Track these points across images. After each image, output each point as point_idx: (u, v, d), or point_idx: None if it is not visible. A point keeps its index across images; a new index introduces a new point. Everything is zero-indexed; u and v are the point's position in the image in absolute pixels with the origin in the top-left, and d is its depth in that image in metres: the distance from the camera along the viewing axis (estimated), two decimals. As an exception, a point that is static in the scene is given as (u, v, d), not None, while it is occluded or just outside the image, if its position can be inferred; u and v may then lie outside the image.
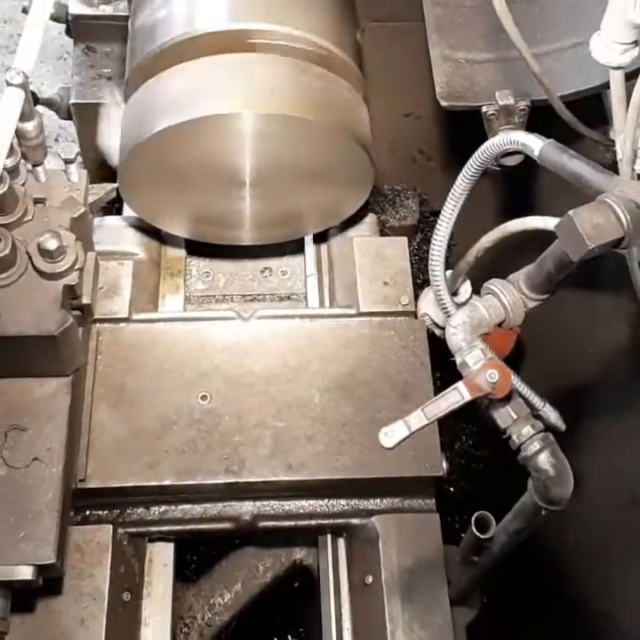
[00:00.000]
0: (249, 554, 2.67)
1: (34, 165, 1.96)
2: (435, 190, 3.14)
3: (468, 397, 1.54)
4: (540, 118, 2.09)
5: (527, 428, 1.60)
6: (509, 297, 1.65)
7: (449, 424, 3.22)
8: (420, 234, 3.22)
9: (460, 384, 1.56)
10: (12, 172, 1.89)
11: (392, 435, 1.57)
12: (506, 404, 1.61)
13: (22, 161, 1.93)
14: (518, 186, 2.71)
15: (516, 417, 1.61)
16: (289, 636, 2.86)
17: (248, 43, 2.08)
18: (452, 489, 2.96)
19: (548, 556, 2.41)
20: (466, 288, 2.32)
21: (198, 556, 2.75)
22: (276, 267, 2.55)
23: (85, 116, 2.56)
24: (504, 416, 1.61)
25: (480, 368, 1.55)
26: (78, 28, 2.65)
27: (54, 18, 2.62)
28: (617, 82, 1.72)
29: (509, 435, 1.62)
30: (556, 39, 2.23)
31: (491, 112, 2.15)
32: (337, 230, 2.53)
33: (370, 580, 2.09)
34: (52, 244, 1.83)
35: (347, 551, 2.23)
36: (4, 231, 1.85)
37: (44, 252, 1.84)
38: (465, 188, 1.89)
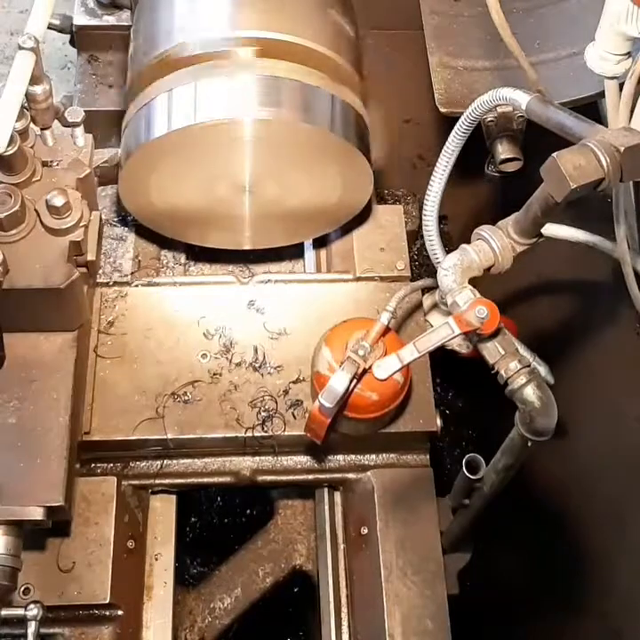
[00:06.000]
0: (249, 559, 2.73)
1: (42, 129, 2.03)
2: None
3: (457, 331, 1.61)
4: (537, 125, 2.13)
5: (514, 362, 1.66)
6: (499, 241, 1.70)
7: (450, 429, 3.28)
8: (420, 239, 3.27)
9: (450, 319, 1.63)
10: (22, 134, 1.96)
11: (385, 367, 1.64)
12: (494, 340, 1.67)
13: (31, 125, 2.00)
14: (517, 192, 2.75)
15: (503, 353, 1.67)
16: (288, 640, 2.89)
17: (248, 50, 2.11)
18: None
19: (538, 503, 2.47)
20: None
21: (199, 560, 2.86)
22: (275, 271, 2.56)
23: (88, 123, 2.63)
24: (492, 352, 1.68)
25: (470, 305, 1.62)
26: (82, 37, 2.71)
27: (59, 28, 2.69)
28: (611, 91, 1.77)
29: (497, 370, 1.68)
30: (552, 48, 2.27)
31: (489, 119, 2.19)
32: (336, 235, 2.55)
33: (365, 530, 2.16)
34: (59, 201, 1.91)
35: (343, 503, 2.30)
36: (14, 189, 1.93)
37: (52, 209, 1.92)
38: (457, 145, 1.95)
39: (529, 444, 1.69)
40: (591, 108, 2.13)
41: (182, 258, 2.54)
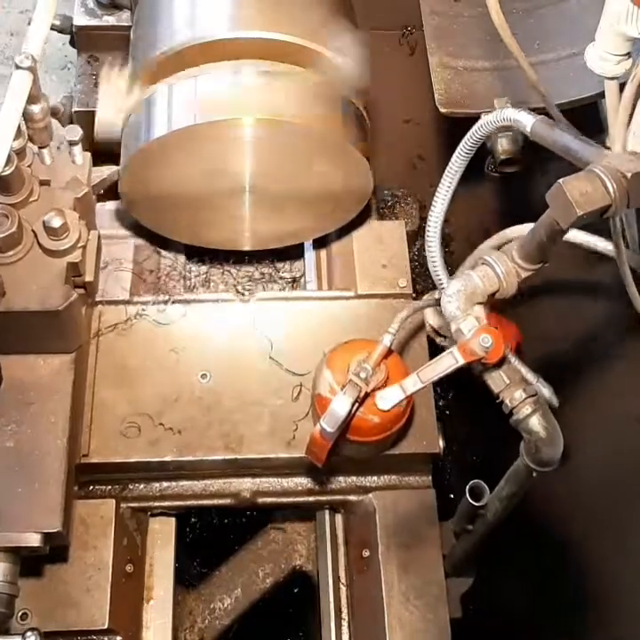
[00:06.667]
0: (249, 559, 2.72)
1: (40, 147, 2.01)
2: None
3: (461, 361, 1.59)
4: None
5: (519, 391, 1.64)
6: (503, 267, 1.68)
7: (450, 429, 3.25)
8: (420, 239, 3.25)
9: (454, 348, 1.60)
10: (19, 153, 1.94)
11: (388, 398, 1.62)
12: (499, 369, 1.65)
13: (28, 144, 1.98)
14: (517, 192, 2.74)
15: (508, 382, 1.65)
16: (288, 641, 2.87)
17: (248, 50, 2.10)
18: (452, 495, 2.99)
19: (540, 527, 2.45)
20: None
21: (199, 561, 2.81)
22: (275, 272, 2.59)
23: (88, 124, 2.62)
24: (497, 381, 1.65)
25: (474, 333, 1.59)
26: (82, 38, 2.69)
27: (59, 29, 2.67)
28: (612, 91, 1.75)
29: (502, 399, 1.66)
30: (552, 49, 2.26)
31: None
32: (336, 235, 2.54)
33: (367, 553, 2.14)
34: (56, 222, 1.88)
35: (344, 526, 2.29)
36: (11, 210, 1.91)
37: (49, 230, 1.90)
38: (460, 165, 1.93)
39: (534, 474, 1.67)
40: (591, 108, 2.14)
41: (182, 258, 2.53)
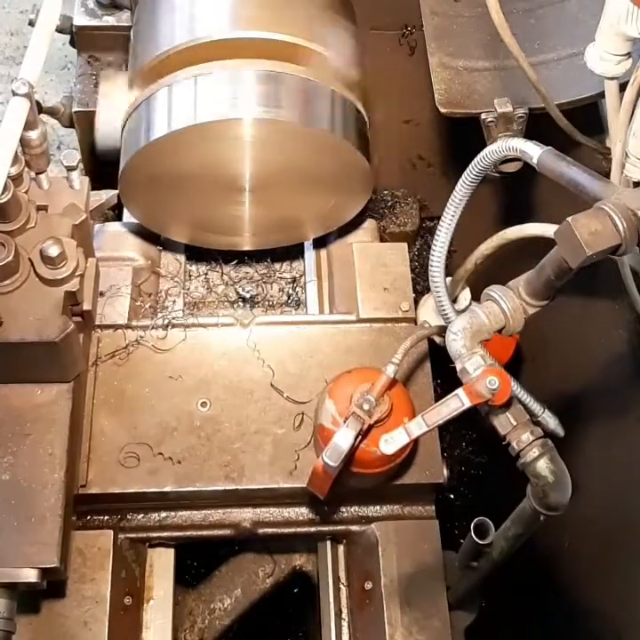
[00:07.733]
0: (249, 559, 2.69)
1: (37, 173, 1.98)
2: (434, 196, 3.17)
3: (468, 404, 1.56)
4: (537, 126, 2.10)
5: (526, 434, 1.61)
6: (509, 303, 1.65)
7: (449, 430, 3.24)
8: (420, 239, 3.24)
9: (460, 391, 1.57)
10: (16, 179, 1.91)
11: (392, 442, 1.59)
12: (505, 411, 1.62)
13: (25, 169, 1.95)
14: (517, 192, 2.73)
15: (515, 423, 1.62)
16: (288, 641, 2.85)
17: (248, 50, 2.10)
18: (452, 496, 2.97)
19: (545, 560, 2.42)
20: (465, 295, 2.34)
21: (199, 561, 2.77)
22: (276, 274, 2.58)
23: (87, 124, 2.61)
24: (504, 422, 1.62)
25: (480, 375, 1.56)
26: (82, 38, 2.68)
27: (59, 29, 2.64)
28: (612, 91, 1.76)
29: (509, 441, 1.63)
30: (552, 49, 2.24)
31: (489, 119, 2.15)
32: (336, 235, 2.53)
33: (369, 585, 2.10)
34: (53, 251, 1.84)
35: (346, 557, 2.24)
36: (8, 238, 1.87)
37: (46, 259, 1.86)
38: (464, 195, 1.90)
39: (541, 517, 1.64)
40: (591, 108, 2.14)
41: (182, 259, 2.52)
